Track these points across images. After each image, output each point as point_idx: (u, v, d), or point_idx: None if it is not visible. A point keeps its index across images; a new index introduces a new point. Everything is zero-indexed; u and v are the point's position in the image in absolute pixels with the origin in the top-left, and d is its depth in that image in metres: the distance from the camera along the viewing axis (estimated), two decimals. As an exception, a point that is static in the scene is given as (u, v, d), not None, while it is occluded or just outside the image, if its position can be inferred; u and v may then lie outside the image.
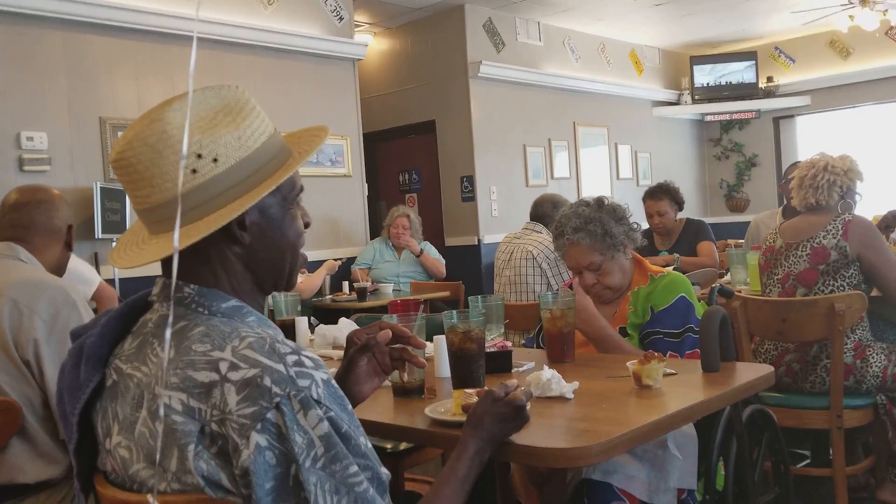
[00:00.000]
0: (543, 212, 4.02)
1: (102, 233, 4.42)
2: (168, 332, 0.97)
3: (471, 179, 6.74)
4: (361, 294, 4.82)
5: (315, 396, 0.94)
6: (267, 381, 0.92)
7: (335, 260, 5.10)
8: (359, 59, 6.14)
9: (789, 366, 2.75)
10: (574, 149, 7.71)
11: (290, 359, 0.95)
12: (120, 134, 4.09)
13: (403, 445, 2.29)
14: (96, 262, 4.54)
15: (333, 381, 0.99)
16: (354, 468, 0.95)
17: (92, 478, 1.11)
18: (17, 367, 1.78)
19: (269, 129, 1.09)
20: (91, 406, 1.10)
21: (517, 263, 3.85)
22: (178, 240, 0.89)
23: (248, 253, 1.09)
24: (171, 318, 0.93)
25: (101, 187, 4.43)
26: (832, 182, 2.82)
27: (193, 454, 0.94)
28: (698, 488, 1.83)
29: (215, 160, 1.02)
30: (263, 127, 1.08)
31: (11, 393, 1.77)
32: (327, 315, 4.46)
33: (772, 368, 1.77)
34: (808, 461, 3.04)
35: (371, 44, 7.11)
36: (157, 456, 0.96)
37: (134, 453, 1.01)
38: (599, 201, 2.24)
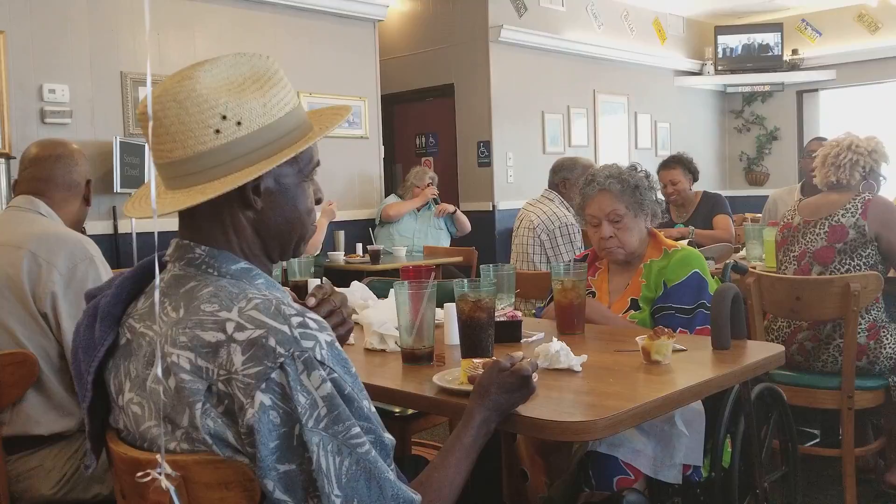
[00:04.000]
0: (559, 178, 3.93)
1: (121, 187, 4.45)
2: (157, 294, 0.99)
3: (487, 145, 6.69)
4: (374, 257, 4.83)
5: (318, 357, 0.96)
6: (271, 342, 0.94)
7: (328, 204, 4.92)
8: (379, 21, 6.07)
9: (802, 344, 2.74)
10: (593, 117, 7.63)
11: (295, 320, 0.97)
12: (141, 89, 4.06)
13: (411, 410, 2.31)
14: (114, 216, 4.58)
15: (337, 344, 1.01)
16: (357, 430, 0.96)
17: (103, 437, 1.14)
18: (34, 319, 1.81)
19: (293, 101, 1.11)
20: (104, 365, 1.12)
21: (522, 232, 3.84)
22: (155, 200, 0.95)
23: (259, 218, 1.11)
24: (157, 281, 0.96)
25: (120, 142, 4.45)
26: (855, 162, 2.78)
27: (201, 412, 0.96)
28: (704, 465, 1.84)
29: (239, 123, 1.04)
30: (288, 98, 1.10)
31: (28, 345, 1.80)
32: (340, 277, 4.47)
33: (782, 348, 1.76)
34: (817, 440, 3.03)
35: (392, 5, 7.02)
36: (161, 413, 0.98)
37: (146, 409, 1.03)
38: (633, 166, 2.28)
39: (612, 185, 2.19)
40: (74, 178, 2.04)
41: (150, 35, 4.76)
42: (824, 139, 3.98)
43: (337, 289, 2.60)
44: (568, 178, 3.83)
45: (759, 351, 1.73)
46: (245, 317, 0.97)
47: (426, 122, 7.28)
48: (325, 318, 1.32)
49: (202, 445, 0.97)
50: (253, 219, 1.10)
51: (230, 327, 0.96)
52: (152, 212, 1.06)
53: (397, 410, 2.32)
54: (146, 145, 4.43)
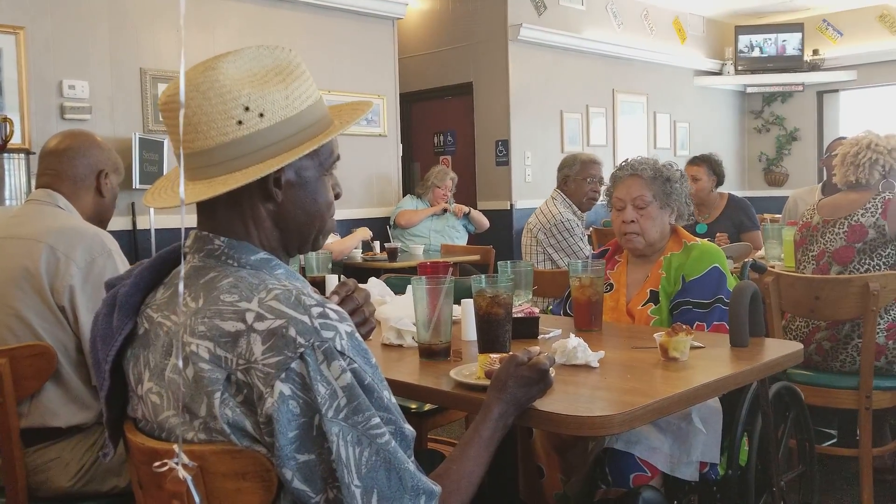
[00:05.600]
0: (561, 176, 3.91)
1: (140, 183, 4.48)
2: (181, 285, 0.98)
3: (506, 143, 6.68)
4: (392, 254, 4.84)
5: (339, 348, 0.96)
6: (292, 332, 0.94)
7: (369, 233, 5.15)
8: (399, 19, 6.08)
9: (820, 344, 2.72)
10: (612, 116, 7.60)
11: (315, 311, 0.97)
12: (160, 85, 4.08)
13: (428, 406, 2.32)
14: (133, 212, 4.62)
15: (357, 334, 1.01)
16: (377, 420, 0.96)
17: (121, 426, 1.14)
18: (52, 312, 1.81)
19: (315, 94, 1.11)
20: (122, 354, 1.13)
21: (524, 233, 3.84)
22: (183, 191, 0.94)
23: (279, 211, 1.11)
24: (182, 271, 0.96)
25: (139, 138, 4.49)
26: (874, 161, 2.76)
27: (219, 402, 0.96)
28: (721, 463, 1.83)
29: (261, 115, 1.04)
30: (310, 91, 1.10)
31: (47, 337, 1.80)
32: (358, 274, 4.49)
33: (800, 346, 1.75)
34: (834, 440, 3.02)
35: (411, 3, 7.03)
36: (179, 404, 0.98)
37: (164, 399, 1.04)
38: (669, 162, 2.28)
39: (645, 172, 2.19)
40: (80, 170, 1.99)
41: (171, 33, 4.80)
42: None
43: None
44: (568, 174, 3.81)
45: (777, 349, 1.72)
46: (265, 307, 0.97)
47: (444, 121, 7.28)
48: None
49: (220, 435, 0.97)
50: (273, 211, 1.10)
51: (250, 317, 0.96)
52: (174, 202, 1.06)
53: (414, 406, 2.32)
54: (165, 141, 4.47)
